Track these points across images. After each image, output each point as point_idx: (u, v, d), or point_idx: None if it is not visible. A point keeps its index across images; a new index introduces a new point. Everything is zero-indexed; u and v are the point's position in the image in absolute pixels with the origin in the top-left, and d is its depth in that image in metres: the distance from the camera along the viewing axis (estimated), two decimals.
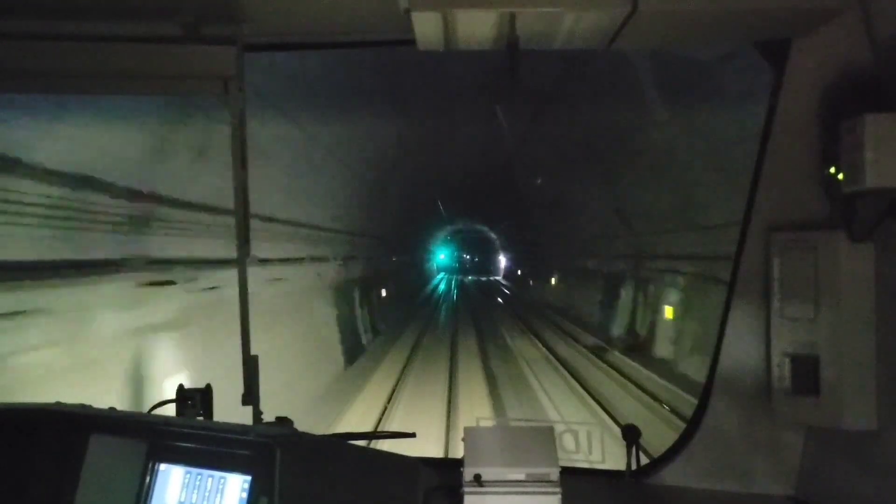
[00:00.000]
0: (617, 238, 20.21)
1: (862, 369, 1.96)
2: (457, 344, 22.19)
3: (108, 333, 6.97)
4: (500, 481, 2.00)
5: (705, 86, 9.72)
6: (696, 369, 12.96)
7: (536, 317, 29.34)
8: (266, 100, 9.14)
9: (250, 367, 2.33)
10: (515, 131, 16.68)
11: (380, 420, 12.31)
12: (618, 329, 20.07)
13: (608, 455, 2.43)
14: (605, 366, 17.23)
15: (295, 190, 12.98)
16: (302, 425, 2.00)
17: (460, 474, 2.03)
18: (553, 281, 33.63)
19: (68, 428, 1.95)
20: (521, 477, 2.00)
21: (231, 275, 2.73)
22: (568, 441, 2.54)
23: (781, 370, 2.10)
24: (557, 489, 1.98)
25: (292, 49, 2.63)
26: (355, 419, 12.38)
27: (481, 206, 38.88)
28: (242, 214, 2.37)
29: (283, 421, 2.11)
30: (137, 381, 7.34)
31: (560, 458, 2.04)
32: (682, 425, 2.74)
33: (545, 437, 2.11)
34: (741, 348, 2.26)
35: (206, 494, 1.72)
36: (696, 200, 13.32)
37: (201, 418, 2.17)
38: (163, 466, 1.81)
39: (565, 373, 16.82)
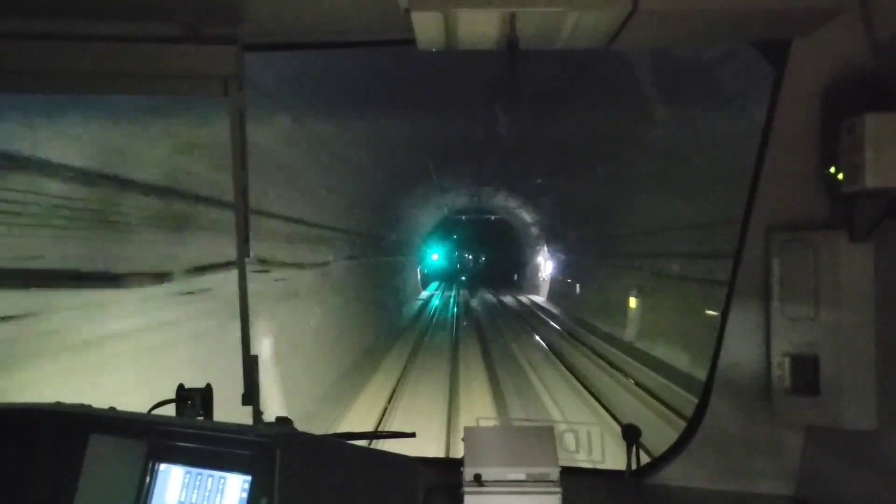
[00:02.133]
0: None
1: (862, 369, 1.96)
2: None
3: None
4: (501, 481, 2.00)
5: None
6: None
7: None
8: None
9: (250, 367, 2.33)
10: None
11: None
12: None
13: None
14: None
15: None
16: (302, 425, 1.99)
17: (460, 474, 2.03)
18: None
19: (68, 428, 1.95)
20: (522, 477, 2.00)
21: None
22: (568, 441, 2.54)
23: (781, 370, 2.10)
24: (557, 489, 1.98)
25: (292, 49, 2.63)
26: None
27: (507, 162, 20.34)
28: (242, 214, 2.37)
29: (283, 421, 2.11)
30: None
31: (560, 457, 2.04)
32: None
33: (545, 436, 2.11)
34: (741, 348, 2.26)
35: (206, 494, 1.72)
36: None
37: (201, 418, 2.17)
38: (163, 466, 1.80)
39: None
